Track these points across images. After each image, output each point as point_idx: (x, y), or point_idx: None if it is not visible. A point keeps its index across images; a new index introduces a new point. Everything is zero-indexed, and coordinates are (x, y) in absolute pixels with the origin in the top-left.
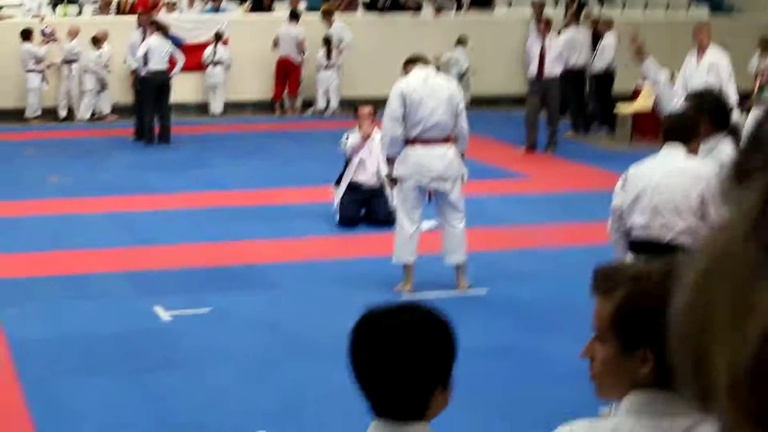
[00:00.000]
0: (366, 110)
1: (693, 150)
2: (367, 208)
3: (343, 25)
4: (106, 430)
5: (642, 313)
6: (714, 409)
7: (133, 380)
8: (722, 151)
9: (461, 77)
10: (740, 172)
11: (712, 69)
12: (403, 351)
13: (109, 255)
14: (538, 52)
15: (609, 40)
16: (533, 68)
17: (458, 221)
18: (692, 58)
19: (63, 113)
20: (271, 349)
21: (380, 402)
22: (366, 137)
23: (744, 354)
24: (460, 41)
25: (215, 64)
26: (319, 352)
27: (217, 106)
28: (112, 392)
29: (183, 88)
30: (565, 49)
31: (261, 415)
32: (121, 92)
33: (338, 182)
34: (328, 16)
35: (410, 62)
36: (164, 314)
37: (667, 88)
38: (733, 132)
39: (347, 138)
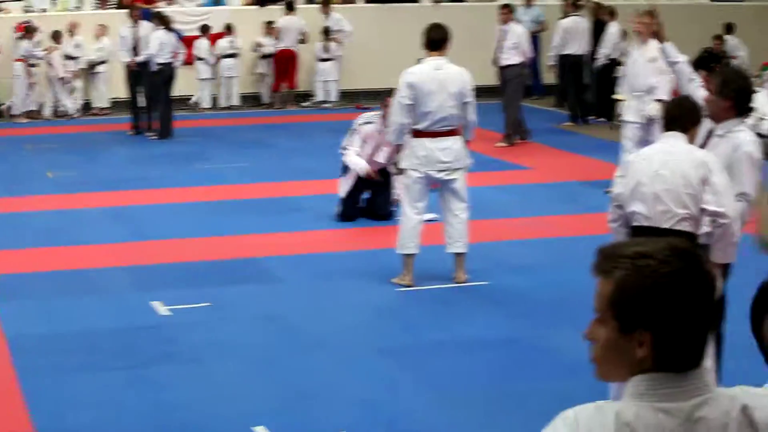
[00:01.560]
0: None
1: (692, 137)
2: (368, 201)
3: (340, 16)
4: (104, 425)
5: (640, 294)
6: None
7: (132, 375)
8: (738, 134)
9: None
10: None
11: (654, 62)
12: None
13: (107, 250)
14: (497, 39)
15: (612, 29)
16: (496, 57)
17: (462, 211)
18: (635, 50)
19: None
20: (271, 343)
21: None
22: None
23: None
24: None
25: (229, 56)
26: (319, 345)
27: (234, 99)
28: (110, 387)
29: (182, 82)
30: (560, 37)
31: (261, 410)
32: (117, 87)
33: (345, 172)
34: (326, 7)
35: (429, 46)
36: (163, 309)
37: (687, 69)
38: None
39: (347, 147)
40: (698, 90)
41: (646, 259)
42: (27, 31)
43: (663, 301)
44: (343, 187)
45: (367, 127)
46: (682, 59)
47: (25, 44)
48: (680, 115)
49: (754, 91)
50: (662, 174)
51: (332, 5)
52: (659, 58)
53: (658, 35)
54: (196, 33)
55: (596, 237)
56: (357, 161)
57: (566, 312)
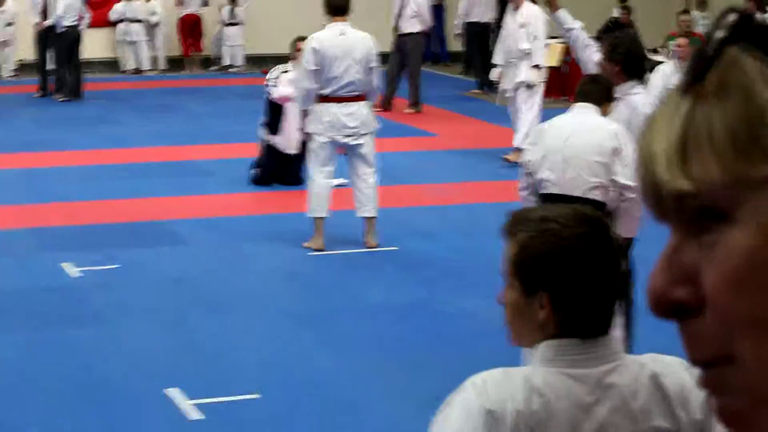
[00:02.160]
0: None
1: (605, 112)
2: (281, 165)
3: None
4: (13, 387)
5: (540, 256)
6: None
7: (41, 337)
8: (635, 96)
9: None
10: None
11: (525, 28)
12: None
13: (14, 211)
14: (398, 8)
15: None
16: (393, 23)
17: (369, 176)
18: (509, 16)
19: None
20: (181, 306)
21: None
22: None
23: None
24: None
25: (131, 21)
26: (229, 308)
27: (143, 63)
28: (19, 348)
29: (92, 44)
30: (464, 5)
31: (173, 373)
32: (23, 50)
33: (269, 126)
34: None
35: (332, 12)
36: (72, 270)
37: (582, 35)
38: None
39: (276, 78)
40: (595, 55)
41: (549, 222)
42: None
43: (562, 264)
44: (290, 140)
45: (285, 77)
46: (578, 26)
47: None
48: (594, 90)
49: (644, 54)
50: (573, 141)
51: None
52: (529, 24)
53: (551, 3)
54: None
55: (502, 204)
56: (288, 90)
57: (473, 278)
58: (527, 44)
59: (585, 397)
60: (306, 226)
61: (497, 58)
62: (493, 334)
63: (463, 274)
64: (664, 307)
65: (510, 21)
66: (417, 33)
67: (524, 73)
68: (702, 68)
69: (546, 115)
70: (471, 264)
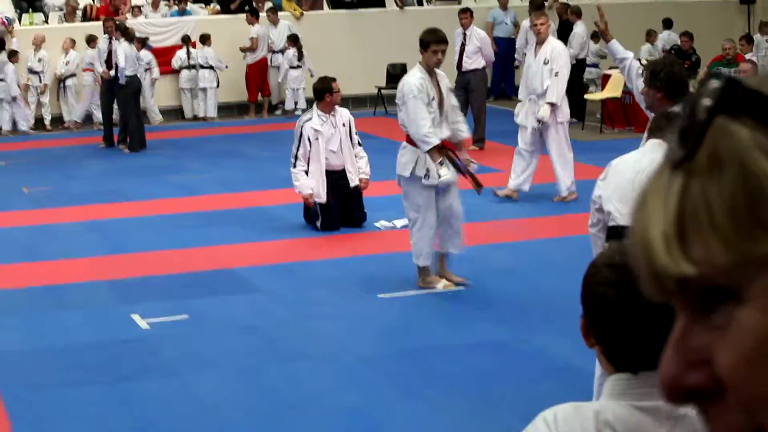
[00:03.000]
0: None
1: None
2: (344, 209)
3: (289, 23)
4: None
5: (585, 295)
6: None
7: (114, 389)
8: None
9: None
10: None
11: (548, 64)
12: None
13: (86, 264)
14: (459, 45)
15: (579, 29)
16: (456, 61)
17: (408, 222)
18: (531, 50)
19: (31, 122)
20: (251, 354)
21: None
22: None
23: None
24: None
25: (202, 67)
26: (300, 354)
27: (209, 110)
28: (92, 402)
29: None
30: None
31: (244, 421)
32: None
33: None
34: (273, 15)
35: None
36: (143, 322)
37: (635, 65)
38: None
39: (296, 164)
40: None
41: (601, 257)
42: (90, 40)
43: (589, 292)
44: (308, 185)
45: (309, 126)
46: (630, 55)
47: (90, 53)
48: (666, 126)
49: (686, 77)
50: (645, 173)
51: (278, 13)
52: (552, 60)
53: (604, 34)
54: (169, 44)
55: (573, 238)
56: (303, 183)
57: (548, 315)
58: (549, 81)
59: (656, 429)
60: (370, 268)
61: (521, 93)
62: (571, 371)
63: (537, 311)
64: (680, 394)
65: (531, 57)
66: (480, 69)
67: (541, 109)
68: (691, 142)
69: (612, 145)
70: (545, 301)
